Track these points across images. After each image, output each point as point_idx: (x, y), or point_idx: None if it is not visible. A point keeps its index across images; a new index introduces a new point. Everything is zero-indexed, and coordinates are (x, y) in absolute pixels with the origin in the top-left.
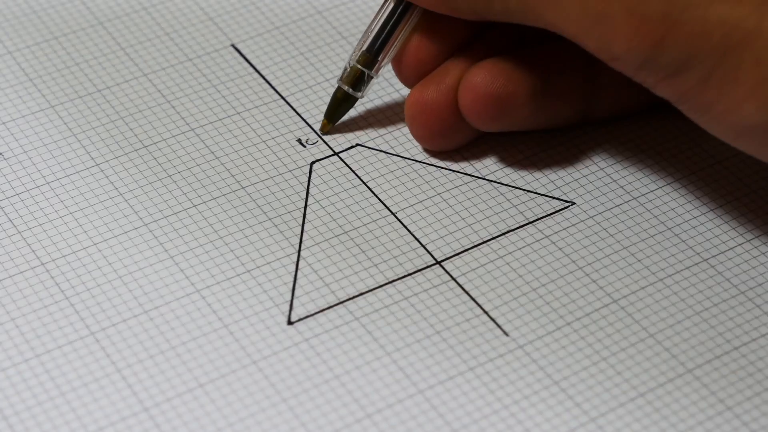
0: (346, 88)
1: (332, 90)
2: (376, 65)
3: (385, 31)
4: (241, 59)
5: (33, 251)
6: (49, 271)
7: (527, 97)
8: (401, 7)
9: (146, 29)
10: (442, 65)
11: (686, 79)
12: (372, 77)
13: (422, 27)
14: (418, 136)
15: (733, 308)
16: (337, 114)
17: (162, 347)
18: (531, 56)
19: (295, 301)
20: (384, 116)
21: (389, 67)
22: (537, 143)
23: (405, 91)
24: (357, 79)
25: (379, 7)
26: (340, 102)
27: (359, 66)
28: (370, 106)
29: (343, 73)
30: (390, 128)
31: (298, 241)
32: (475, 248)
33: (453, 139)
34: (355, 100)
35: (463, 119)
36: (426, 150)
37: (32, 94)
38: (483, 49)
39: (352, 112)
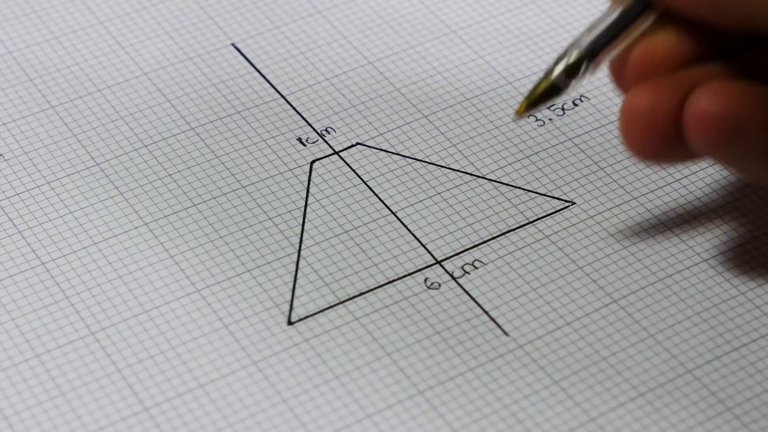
0: (555, 76)
1: (332, 89)
2: (595, 62)
3: (615, 29)
4: (242, 58)
5: (33, 251)
6: (49, 270)
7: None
8: (636, 8)
9: (146, 28)
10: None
11: None
12: (587, 72)
13: (662, 30)
14: (630, 146)
15: (733, 308)
16: (539, 100)
17: (162, 347)
18: None
19: (295, 301)
20: (384, 115)
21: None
22: (537, 143)
23: (406, 90)
24: (572, 70)
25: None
26: (547, 90)
27: (578, 56)
28: (370, 105)
29: (557, 61)
30: (390, 127)
31: (299, 240)
32: (475, 248)
33: (669, 157)
34: (561, 91)
35: (683, 140)
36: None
37: (32, 94)
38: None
39: (352, 111)
